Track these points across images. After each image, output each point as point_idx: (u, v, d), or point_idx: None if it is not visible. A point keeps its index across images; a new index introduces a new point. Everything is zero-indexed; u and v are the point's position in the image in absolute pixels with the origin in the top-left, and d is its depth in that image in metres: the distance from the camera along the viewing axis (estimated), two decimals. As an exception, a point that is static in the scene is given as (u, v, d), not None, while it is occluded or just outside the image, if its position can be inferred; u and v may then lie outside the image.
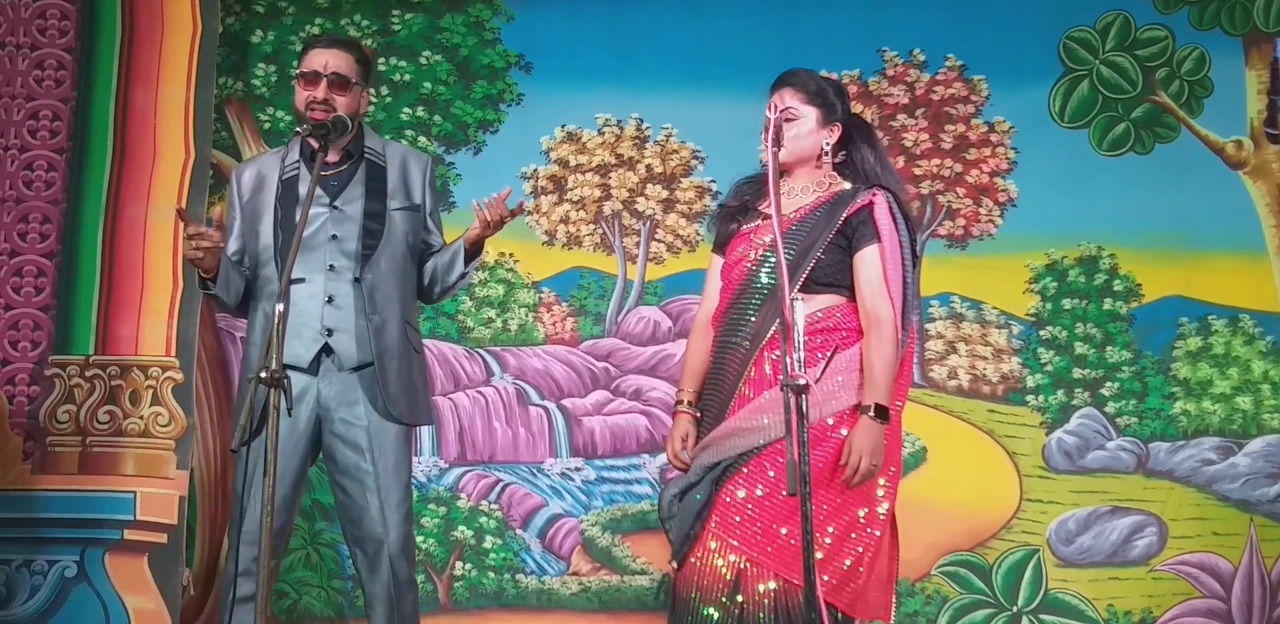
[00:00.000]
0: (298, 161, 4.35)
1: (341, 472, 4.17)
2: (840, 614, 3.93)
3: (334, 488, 4.24)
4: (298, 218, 4.05)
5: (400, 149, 4.47)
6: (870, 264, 4.08)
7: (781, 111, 4.10)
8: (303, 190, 4.23)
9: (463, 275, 4.35)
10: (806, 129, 4.14)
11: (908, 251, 4.13)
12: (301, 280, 4.17)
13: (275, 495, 3.97)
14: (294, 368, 4.14)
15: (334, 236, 4.22)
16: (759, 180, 4.24)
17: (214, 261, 4.17)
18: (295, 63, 4.34)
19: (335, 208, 4.24)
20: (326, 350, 4.17)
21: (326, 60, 4.31)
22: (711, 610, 3.94)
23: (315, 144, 4.14)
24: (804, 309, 3.70)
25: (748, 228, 4.20)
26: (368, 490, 4.12)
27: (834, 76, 6.22)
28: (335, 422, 4.15)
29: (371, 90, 6.20)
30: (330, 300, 4.17)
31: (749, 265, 4.13)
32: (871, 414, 3.95)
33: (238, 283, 4.27)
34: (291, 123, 6.22)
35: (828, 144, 4.18)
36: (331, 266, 4.19)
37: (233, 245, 4.34)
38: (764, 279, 4.09)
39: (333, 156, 4.30)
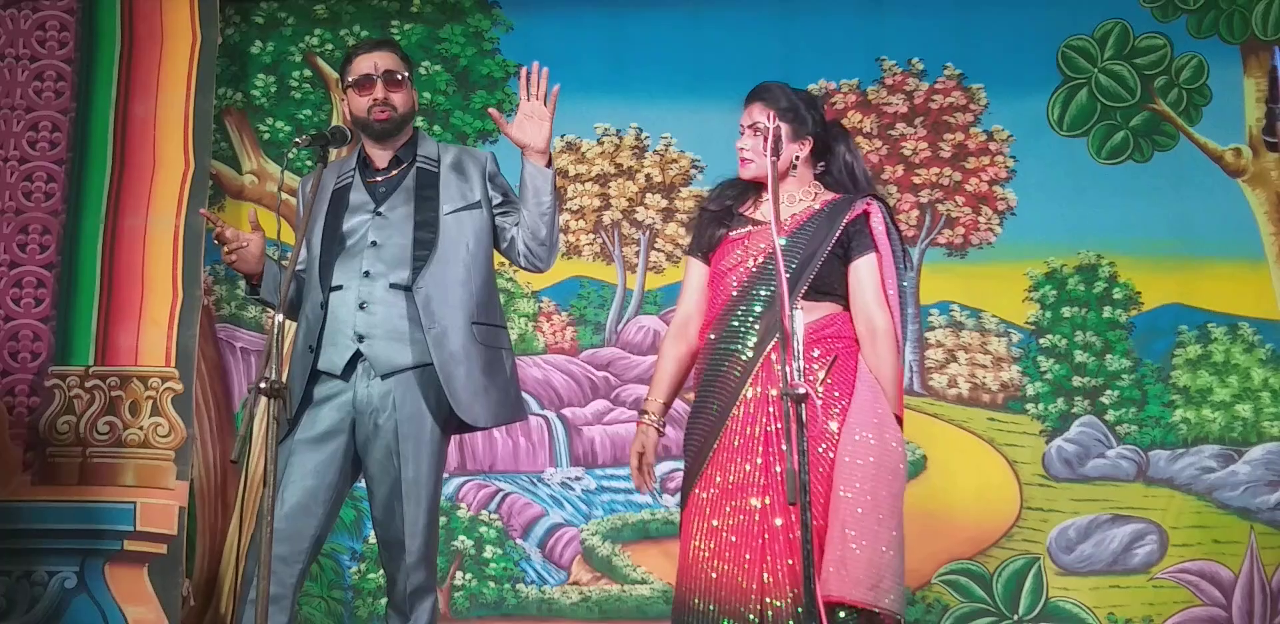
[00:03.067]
0: (353, 170, 4.32)
1: (372, 476, 4.16)
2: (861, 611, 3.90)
3: (367, 491, 4.22)
4: (344, 226, 4.12)
5: (455, 151, 4.40)
6: (868, 274, 4.08)
7: (752, 125, 4.11)
8: (352, 198, 4.23)
9: (554, 196, 4.22)
10: (775, 143, 4.12)
11: (900, 261, 4.14)
12: (339, 287, 4.15)
13: (287, 503, 4.02)
14: (329, 374, 4.14)
15: (374, 243, 4.19)
16: (739, 185, 4.24)
17: (253, 265, 4.15)
18: (343, 76, 4.31)
19: (379, 214, 4.21)
20: (359, 356, 4.15)
21: (374, 62, 4.28)
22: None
23: (366, 151, 4.23)
24: (803, 318, 3.69)
25: (738, 234, 4.18)
26: (395, 496, 4.10)
27: (831, 85, 6.24)
28: (369, 426, 4.13)
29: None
30: (362, 306, 4.13)
31: (748, 273, 4.12)
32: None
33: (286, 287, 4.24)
34: (290, 133, 6.23)
35: (797, 158, 4.16)
36: (367, 272, 4.15)
37: (301, 255, 4.27)
38: (766, 288, 4.08)
39: (381, 163, 4.29)
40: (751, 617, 3.87)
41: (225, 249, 4.08)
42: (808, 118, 4.17)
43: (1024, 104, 6.27)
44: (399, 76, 4.28)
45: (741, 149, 4.14)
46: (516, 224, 4.26)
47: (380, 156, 4.30)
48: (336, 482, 4.13)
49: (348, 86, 4.30)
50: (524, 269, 4.34)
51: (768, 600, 3.86)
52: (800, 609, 3.80)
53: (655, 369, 4.28)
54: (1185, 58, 6.27)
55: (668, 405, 4.21)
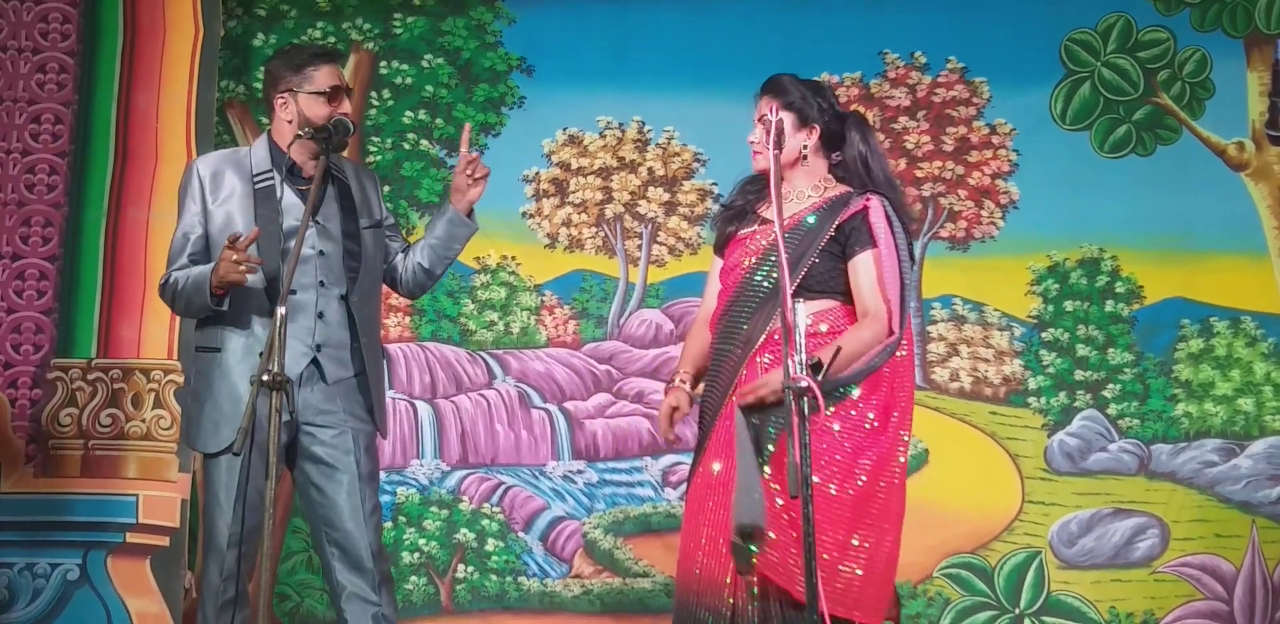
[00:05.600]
0: (270, 172, 4.29)
1: (321, 476, 4.23)
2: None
3: (309, 491, 4.26)
4: (284, 228, 4.19)
5: (352, 166, 4.51)
6: (865, 269, 4.07)
7: (758, 118, 4.14)
8: (285, 202, 4.25)
9: (457, 251, 4.49)
10: (785, 133, 4.12)
11: (905, 255, 4.12)
12: (294, 292, 4.18)
13: (265, 499, 4.02)
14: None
15: (321, 252, 4.24)
16: (760, 181, 4.23)
17: (243, 280, 4.19)
18: (292, 77, 4.30)
19: (319, 223, 4.26)
20: (315, 363, 4.21)
21: (340, 74, 4.38)
22: (705, 614, 3.93)
23: (291, 157, 4.27)
24: (804, 311, 3.69)
25: (744, 232, 4.19)
26: (346, 494, 4.20)
27: (834, 78, 6.23)
28: (315, 429, 4.20)
29: (373, 93, 6.21)
30: (321, 316, 4.22)
31: (745, 271, 4.12)
32: (810, 366, 3.69)
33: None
34: (293, 125, 6.22)
35: (805, 147, 4.17)
36: (322, 282, 4.23)
37: (197, 243, 4.29)
38: (760, 284, 4.08)
39: (309, 171, 4.27)
40: (723, 609, 3.91)
41: (241, 269, 4.07)
42: (812, 105, 4.17)
43: (1027, 98, 6.26)
44: (350, 90, 4.41)
45: (752, 142, 4.15)
46: (403, 250, 4.49)
47: (311, 165, 4.28)
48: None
49: (312, 92, 4.29)
50: (398, 293, 4.60)
51: (738, 591, 3.89)
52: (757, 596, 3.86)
53: (682, 351, 4.35)
54: (1188, 51, 6.26)
55: (697, 377, 4.21)
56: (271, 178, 4.28)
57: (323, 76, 4.31)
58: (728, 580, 3.92)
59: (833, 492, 3.87)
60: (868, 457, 3.94)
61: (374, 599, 4.20)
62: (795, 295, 3.96)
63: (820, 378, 3.66)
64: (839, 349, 3.83)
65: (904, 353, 4.09)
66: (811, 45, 6.21)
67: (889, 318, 4.02)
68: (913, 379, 4.24)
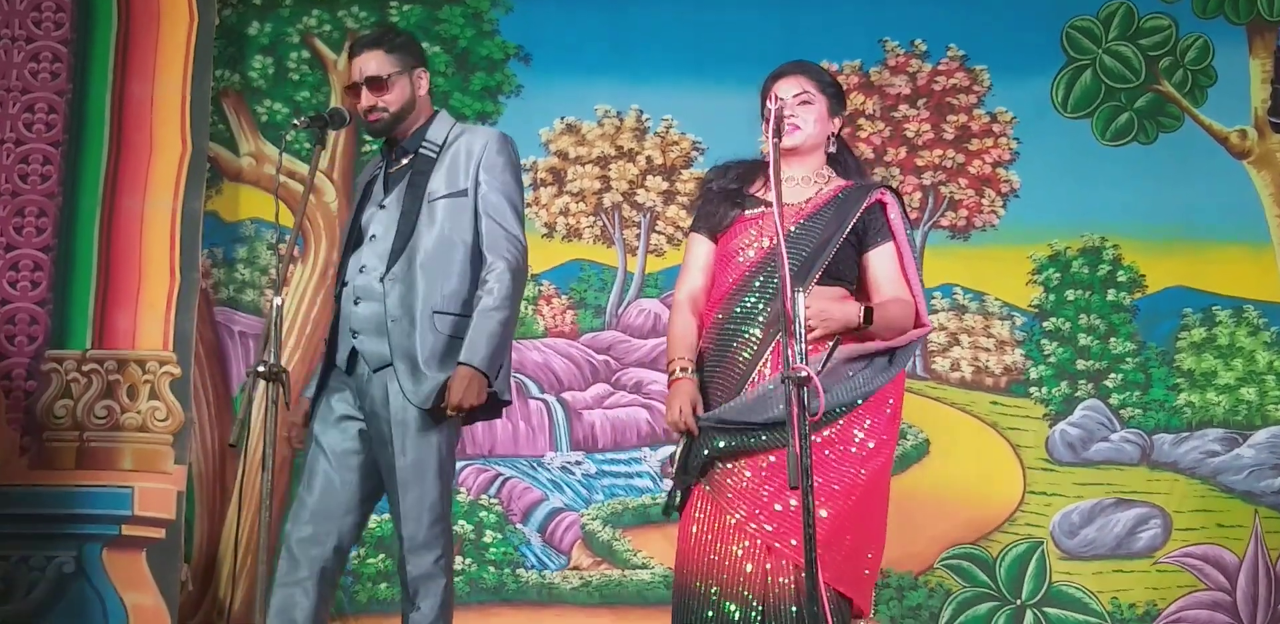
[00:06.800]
0: (381, 161, 4.34)
1: (382, 468, 4.17)
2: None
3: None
4: (361, 220, 4.19)
5: (462, 132, 4.32)
6: (886, 261, 4.07)
7: (798, 95, 4.07)
8: (374, 191, 4.25)
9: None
10: (819, 115, 4.11)
11: (915, 251, 4.16)
12: (345, 283, 4.18)
13: (315, 489, 4.09)
14: (340, 369, 4.19)
15: (373, 236, 4.18)
16: (743, 165, 4.21)
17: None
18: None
19: (381, 207, 4.21)
20: (356, 350, 4.16)
21: (360, 67, 4.27)
22: (732, 606, 3.90)
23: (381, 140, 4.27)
24: (805, 301, 3.66)
25: (753, 214, 4.14)
26: (395, 485, 4.10)
27: (834, 66, 6.21)
28: (368, 420, 4.15)
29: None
30: (357, 302, 4.15)
31: (762, 253, 4.07)
32: (861, 313, 3.90)
33: None
34: (288, 115, 6.21)
35: (831, 136, 4.18)
36: (362, 267, 4.16)
37: None
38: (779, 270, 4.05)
39: (396, 154, 4.28)
40: (752, 599, 3.86)
41: (293, 440, 4.20)
42: (841, 98, 4.18)
43: (1028, 85, 6.24)
44: (384, 78, 4.23)
45: (791, 116, 4.05)
46: (484, 282, 4.15)
47: (396, 148, 4.29)
48: (356, 482, 4.18)
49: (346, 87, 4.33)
50: None
51: (769, 581, 3.85)
52: (800, 591, 3.80)
53: (672, 336, 4.16)
54: (1190, 38, 6.25)
55: (694, 362, 4.12)
56: (380, 167, 4.36)
57: (349, 71, 4.33)
58: (756, 570, 3.89)
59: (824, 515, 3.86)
60: (860, 478, 3.94)
61: (410, 598, 4.11)
62: (819, 281, 3.98)
63: (869, 325, 3.88)
64: (880, 306, 3.93)
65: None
66: (811, 33, 6.19)
67: (919, 306, 4.06)
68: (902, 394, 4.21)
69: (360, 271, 4.16)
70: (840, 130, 4.21)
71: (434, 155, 4.23)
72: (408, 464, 4.06)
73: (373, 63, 4.26)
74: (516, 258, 4.14)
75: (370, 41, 4.33)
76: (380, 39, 4.34)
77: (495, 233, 4.15)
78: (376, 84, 4.23)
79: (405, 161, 4.25)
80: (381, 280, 4.12)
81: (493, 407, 4.16)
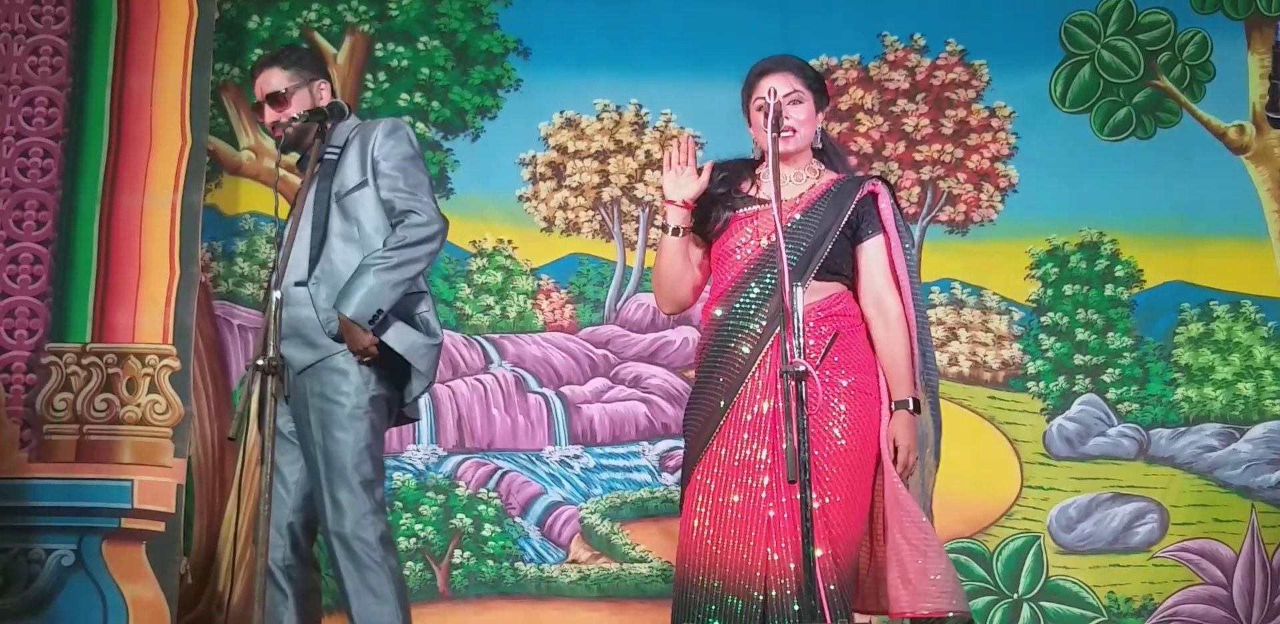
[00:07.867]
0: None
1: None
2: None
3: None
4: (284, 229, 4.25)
5: (359, 128, 4.40)
6: (876, 255, 4.09)
7: (788, 94, 4.08)
8: (295, 200, 4.28)
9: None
10: (809, 113, 4.13)
11: (908, 243, 4.16)
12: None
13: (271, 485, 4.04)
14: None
15: (291, 243, 4.25)
16: (728, 166, 4.22)
17: None
18: None
19: (298, 217, 4.27)
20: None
21: (259, 87, 4.42)
22: (734, 600, 3.91)
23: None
24: (803, 296, 3.67)
25: (746, 212, 4.15)
26: (316, 479, 4.17)
27: (832, 61, 6.22)
28: (292, 420, 4.21)
29: (369, 75, 6.18)
30: (278, 308, 4.20)
31: (759, 251, 4.08)
32: (910, 408, 3.99)
33: None
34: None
35: (819, 130, 4.19)
36: (286, 275, 4.23)
37: None
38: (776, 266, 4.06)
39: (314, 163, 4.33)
40: (756, 594, 3.87)
41: None
42: (825, 90, 4.21)
43: (1026, 80, 6.25)
44: (282, 92, 4.37)
45: (787, 118, 4.06)
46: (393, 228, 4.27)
47: (303, 159, 4.44)
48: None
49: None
50: None
51: (772, 578, 3.86)
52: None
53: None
54: (1189, 34, 6.25)
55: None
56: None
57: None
58: (759, 564, 3.89)
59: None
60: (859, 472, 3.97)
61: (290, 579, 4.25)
62: (816, 276, 4.01)
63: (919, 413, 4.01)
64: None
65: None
66: (810, 27, 6.19)
67: (903, 310, 4.07)
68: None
69: (286, 279, 4.20)
70: (824, 123, 4.25)
71: (335, 157, 4.33)
72: (329, 456, 4.13)
73: (272, 79, 4.41)
74: (419, 222, 4.20)
75: (267, 60, 4.51)
76: (277, 57, 4.52)
77: (397, 207, 4.23)
78: (277, 99, 4.37)
79: (316, 169, 4.29)
80: (302, 284, 4.21)
81: (402, 367, 4.22)
